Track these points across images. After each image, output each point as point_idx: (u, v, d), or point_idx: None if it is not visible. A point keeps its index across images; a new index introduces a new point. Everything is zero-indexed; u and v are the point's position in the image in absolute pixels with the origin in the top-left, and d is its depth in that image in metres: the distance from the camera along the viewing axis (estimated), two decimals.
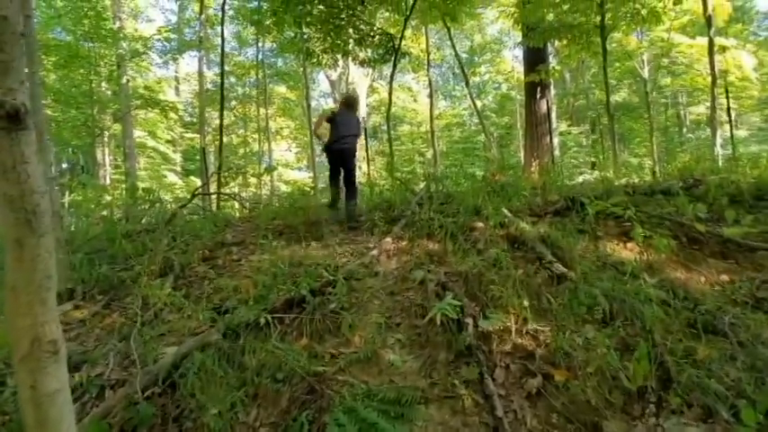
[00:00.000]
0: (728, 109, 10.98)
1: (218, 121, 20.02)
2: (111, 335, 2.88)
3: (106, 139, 21.23)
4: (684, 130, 22.52)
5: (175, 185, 21.69)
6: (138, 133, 21.10)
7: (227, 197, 6.09)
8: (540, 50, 9.29)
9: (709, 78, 19.23)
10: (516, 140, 20.26)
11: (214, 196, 6.97)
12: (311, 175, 18.99)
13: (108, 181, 21.65)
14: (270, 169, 6.08)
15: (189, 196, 6.32)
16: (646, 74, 19.39)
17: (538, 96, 9.36)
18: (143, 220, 4.81)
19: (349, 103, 5.18)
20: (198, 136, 19.07)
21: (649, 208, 3.66)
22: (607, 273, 2.73)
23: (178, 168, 24.24)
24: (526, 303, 2.30)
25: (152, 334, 2.68)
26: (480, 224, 3.49)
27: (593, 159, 23.33)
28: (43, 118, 3.89)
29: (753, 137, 21.34)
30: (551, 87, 9.96)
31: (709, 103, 20.67)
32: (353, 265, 2.98)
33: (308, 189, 6.12)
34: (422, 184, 5.18)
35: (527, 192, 3.88)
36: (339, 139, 4.74)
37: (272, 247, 3.54)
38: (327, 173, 5.25)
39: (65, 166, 26.85)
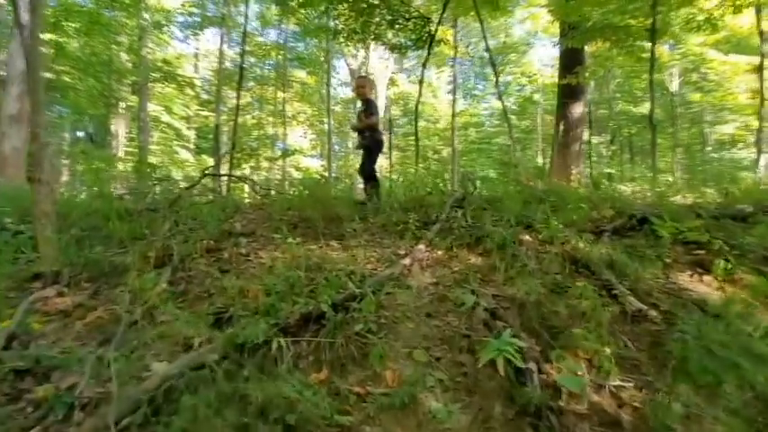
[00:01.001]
0: None
1: (234, 101, 19.56)
2: (93, 333, 2.43)
3: (122, 110, 20.85)
4: (708, 149, 21.70)
5: (187, 162, 21.31)
6: (154, 107, 20.70)
7: (238, 180, 5.62)
8: (578, 52, 8.69)
9: (743, 97, 18.37)
10: (535, 145, 19.62)
11: (225, 178, 6.51)
12: (323, 163, 18.47)
13: (121, 153, 21.31)
14: (286, 153, 5.54)
15: (199, 175, 5.87)
16: (675, 87, 18.64)
17: (573, 100, 8.77)
18: (147, 198, 4.35)
19: (374, 84, 4.90)
20: (213, 114, 18.63)
21: (722, 235, 3.13)
22: (692, 314, 2.22)
23: (191, 146, 23.86)
24: (608, 351, 1.80)
25: (139, 340, 2.22)
26: (527, 237, 2.98)
27: (609, 171, 22.62)
28: (40, 78, 3.41)
29: None
30: (586, 92, 9.36)
31: (737, 124, 19.85)
32: (382, 276, 2.49)
33: (321, 177, 5.57)
34: (448, 183, 4.68)
35: (583, 203, 3.34)
36: (381, 131, 4.67)
37: (285, 243, 3.06)
38: (359, 165, 4.81)
39: (81, 134, 26.58)
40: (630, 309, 2.20)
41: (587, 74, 8.93)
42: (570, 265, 2.59)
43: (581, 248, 2.70)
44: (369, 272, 2.60)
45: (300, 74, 18.24)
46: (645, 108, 22.54)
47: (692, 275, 2.77)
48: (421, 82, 7.35)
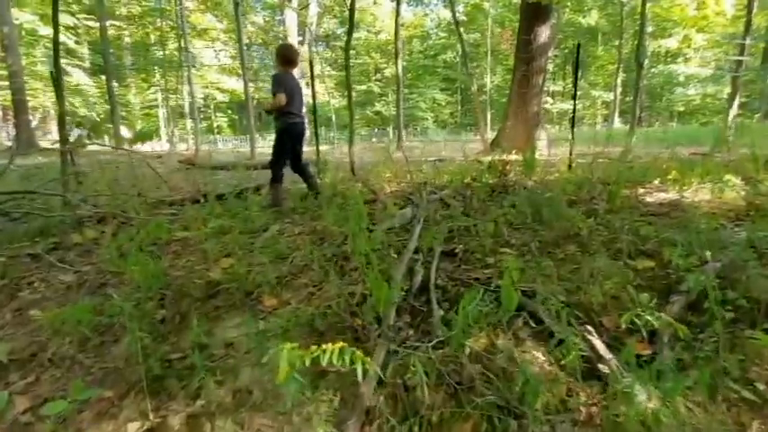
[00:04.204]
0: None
1: (123, 10, 15.18)
2: None
3: None
4: (646, 62, 20.79)
5: (83, 88, 17.17)
6: (28, 17, 15.95)
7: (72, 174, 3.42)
8: None
9: (688, 10, 16.97)
10: (484, 63, 17.42)
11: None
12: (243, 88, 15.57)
13: None
14: (141, 137, 3.39)
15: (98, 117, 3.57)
16: None
17: (539, 21, 6.94)
18: None
19: (293, 58, 3.39)
20: (103, 25, 14.32)
21: None
22: None
23: (86, 64, 19.07)
24: None
25: None
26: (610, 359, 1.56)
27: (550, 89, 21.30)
28: None
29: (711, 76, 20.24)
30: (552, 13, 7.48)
31: (680, 38, 18.81)
32: None
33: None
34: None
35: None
36: (295, 113, 3.36)
37: None
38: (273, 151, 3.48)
39: None
40: None
41: None
42: None
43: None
44: None
45: None
46: (592, 19, 20.74)
47: None
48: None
